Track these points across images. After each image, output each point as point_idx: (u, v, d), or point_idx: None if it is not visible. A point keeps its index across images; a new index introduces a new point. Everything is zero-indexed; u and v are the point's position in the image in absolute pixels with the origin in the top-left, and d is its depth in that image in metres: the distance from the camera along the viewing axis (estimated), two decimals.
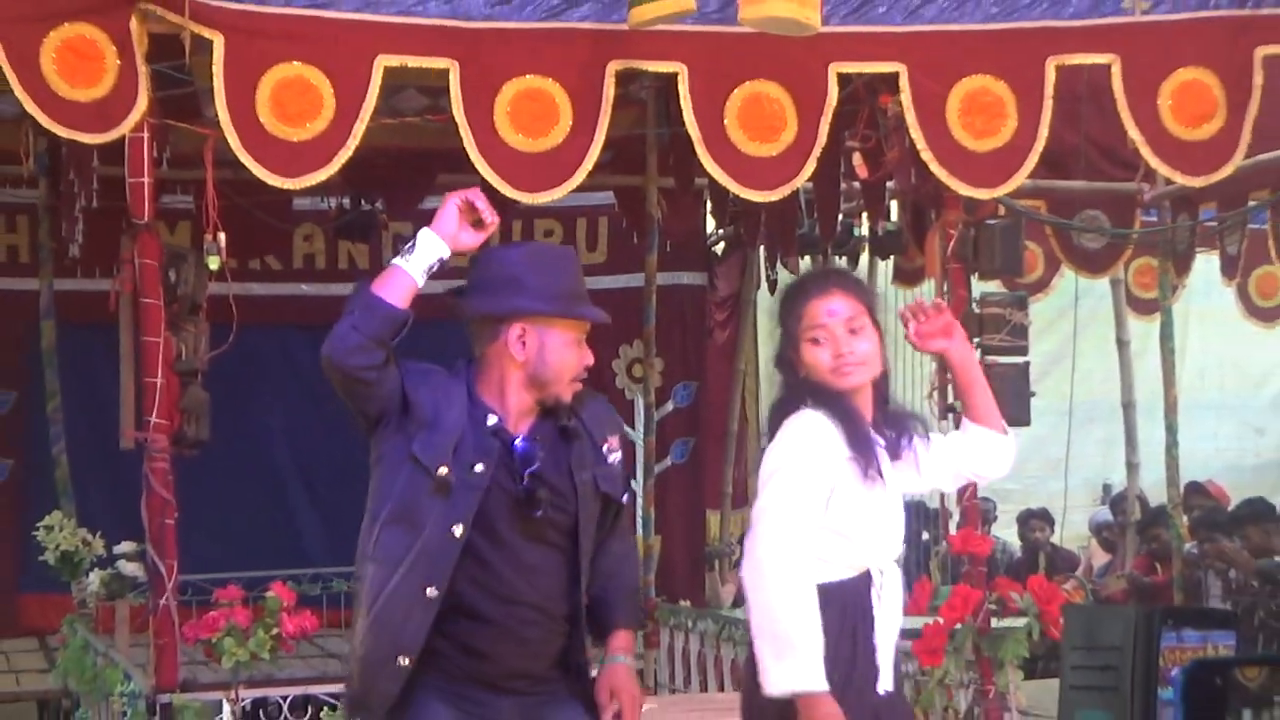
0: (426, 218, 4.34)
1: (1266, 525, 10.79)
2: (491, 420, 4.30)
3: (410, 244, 4.27)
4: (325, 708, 7.15)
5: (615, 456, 4.45)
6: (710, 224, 12.12)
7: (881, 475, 4.46)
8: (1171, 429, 10.70)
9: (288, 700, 7.22)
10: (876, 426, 4.58)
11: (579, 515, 4.36)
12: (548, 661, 4.40)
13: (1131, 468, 12.39)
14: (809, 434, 4.43)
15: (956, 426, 5.00)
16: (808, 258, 11.76)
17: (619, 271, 11.97)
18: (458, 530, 4.23)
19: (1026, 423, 8.33)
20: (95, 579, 9.54)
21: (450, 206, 4.29)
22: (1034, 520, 13.51)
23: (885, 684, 4.47)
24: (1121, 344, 12.26)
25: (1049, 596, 7.69)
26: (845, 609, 4.43)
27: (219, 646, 6.93)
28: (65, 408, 10.81)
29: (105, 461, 10.33)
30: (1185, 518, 11.15)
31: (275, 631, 6.96)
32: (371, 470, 4.37)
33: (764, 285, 12.38)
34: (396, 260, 4.24)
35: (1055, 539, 13.49)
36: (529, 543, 4.31)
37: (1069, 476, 12.95)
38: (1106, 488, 14.71)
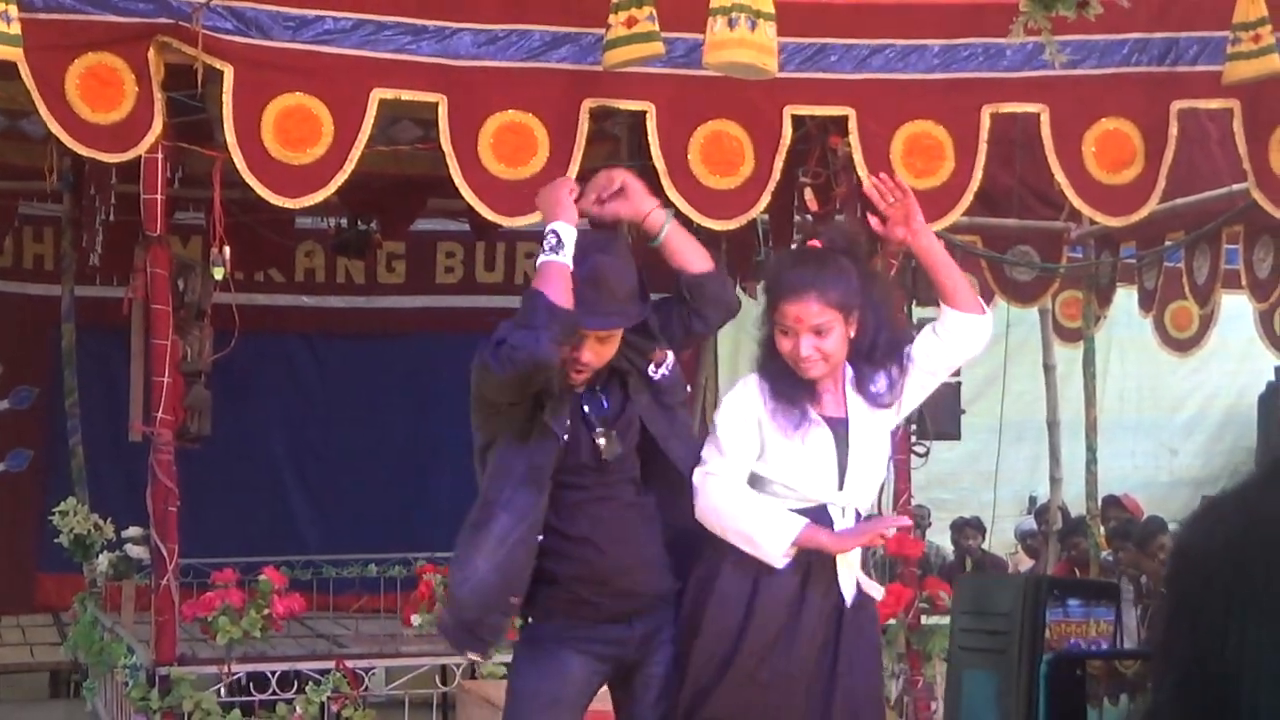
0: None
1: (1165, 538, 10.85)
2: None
3: (554, 240, 4.36)
4: (310, 682, 7.16)
5: (661, 371, 4.54)
6: None
7: (816, 420, 4.41)
8: (1092, 447, 10.74)
9: (276, 675, 7.22)
10: (858, 371, 4.51)
11: (654, 433, 4.48)
12: (656, 575, 4.46)
13: (1055, 482, 12.39)
14: (734, 398, 4.51)
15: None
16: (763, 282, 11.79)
17: None
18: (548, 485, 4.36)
19: (956, 437, 8.39)
20: (105, 560, 9.55)
21: (564, 197, 4.48)
22: (967, 528, 13.52)
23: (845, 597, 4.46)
24: (1048, 369, 12.27)
25: None
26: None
27: (215, 624, 6.96)
28: (82, 403, 10.82)
29: (117, 453, 10.34)
30: (1102, 528, 11.18)
31: (267, 612, 6.98)
32: (485, 438, 4.44)
33: None
34: (552, 257, 4.33)
35: (985, 546, 13.51)
36: (618, 469, 4.45)
37: (999, 489, 12.91)
38: (1032, 499, 14.73)
